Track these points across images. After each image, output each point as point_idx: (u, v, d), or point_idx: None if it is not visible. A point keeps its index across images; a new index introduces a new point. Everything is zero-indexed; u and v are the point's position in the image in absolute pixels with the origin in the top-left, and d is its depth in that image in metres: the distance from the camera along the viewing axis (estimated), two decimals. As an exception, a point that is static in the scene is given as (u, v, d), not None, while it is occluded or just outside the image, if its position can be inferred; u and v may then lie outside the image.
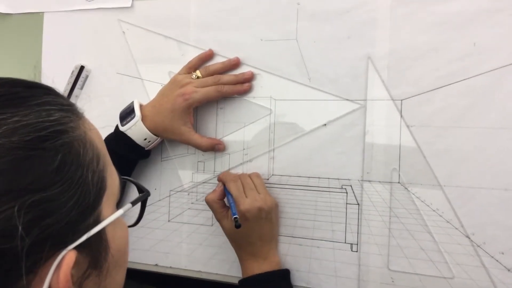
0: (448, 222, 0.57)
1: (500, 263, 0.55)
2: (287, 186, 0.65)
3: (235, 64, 0.68)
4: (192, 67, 0.68)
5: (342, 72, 0.62)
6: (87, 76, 0.77)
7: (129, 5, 0.74)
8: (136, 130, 0.65)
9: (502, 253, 0.55)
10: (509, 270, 0.55)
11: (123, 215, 0.38)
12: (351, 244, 0.62)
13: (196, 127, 0.69)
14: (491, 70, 0.56)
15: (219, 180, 0.66)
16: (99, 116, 0.76)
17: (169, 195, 0.71)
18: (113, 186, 0.37)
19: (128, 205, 0.40)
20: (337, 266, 0.62)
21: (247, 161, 0.67)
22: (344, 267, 0.62)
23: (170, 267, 0.71)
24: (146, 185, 0.72)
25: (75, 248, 0.31)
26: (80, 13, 0.78)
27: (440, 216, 0.58)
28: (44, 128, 0.31)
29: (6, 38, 0.83)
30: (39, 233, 0.29)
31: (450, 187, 0.57)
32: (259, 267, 0.61)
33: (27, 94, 0.33)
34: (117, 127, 0.67)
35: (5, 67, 0.83)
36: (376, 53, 0.61)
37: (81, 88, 0.76)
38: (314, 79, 0.64)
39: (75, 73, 0.75)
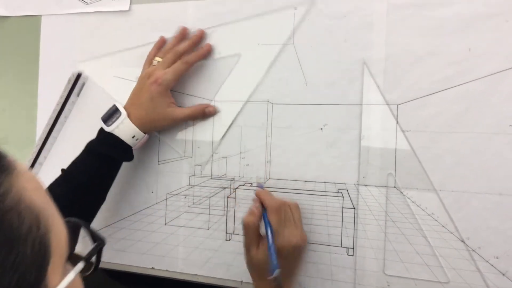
0: (443, 226, 0.57)
1: (495, 268, 0.55)
2: (283, 190, 0.65)
3: (200, 36, 0.69)
4: (152, 59, 0.69)
5: (339, 76, 0.63)
6: (83, 84, 0.77)
7: (127, 9, 0.74)
8: (123, 128, 0.64)
9: (497, 258, 0.55)
10: (503, 275, 0.55)
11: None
12: (347, 248, 0.62)
13: (193, 130, 0.70)
14: (487, 75, 0.56)
15: (257, 196, 0.62)
16: (95, 119, 0.76)
17: (166, 198, 0.71)
18: (60, 247, 0.30)
19: (79, 265, 0.34)
20: (333, 270, 0.62)
21: (244, 165, 0.67)
22: (340, 271, 0.62)
23: (167, 270, 0.71)
24: (143, 188, 0.72)
25: None
26: (78, 16, 0.78)
27: (436, 220, 0.58)
28: None
29: (3, 41, 0.83)
30: None
31: (446, 192, 0.57)
32: None
33: None
34: (101, 130, 0.66)
35: (2, 70, 0.83)
36: (372, 58, 0.61)
37: (78, 95, 0.77)
38: (310, 83, 0.64)
39: (72, 80, 0.75)
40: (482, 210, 0.56)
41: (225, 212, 0.68)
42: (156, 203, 0.72)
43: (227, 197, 0.68)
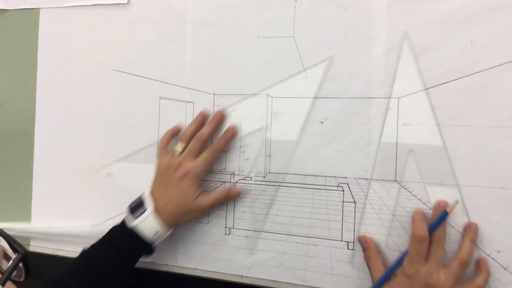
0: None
1: (497, 262, 0.55)
2: (283, 184, 0.65)
3: (221, 119, 0.67)
4: (166, 145, 0.67)
5: (339, 69, 0.62)
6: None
7: (126, 2, 0.73)
8: (147, 225, 0.61)
9: (499, 252, 0.55)
10: (505, 269, 0.54)
11: None
12: (348, 242, 0.61)
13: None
14: (488, 69, 0.56)
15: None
16: (94, 113, 0.75)
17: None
18: None
19: None
20: (334, 264, 0.62)
21: (244, 159, 0.67)
22: (341, 265, 0.61)
23: (166, 264, 0.71)
24: (143, 182, 0.71)
25: None
26: (77, 9, 0.77)
27: (437, 214, 0.57)
28: None
29: (1, 34, 0.82)
30: None
31: (447, 186, 0.57)
32: None
33: None
34: (124, 222, 0.63)
35: (0, 64, 0.82)
36: (373, 51, 0.61)
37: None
38: (311, 76, 0.64)
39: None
40: (484, 204, 0.55)
41: (225, 206, 0.68)
42: (156, 198, 0.71)
43: (227, 191, 0.68)
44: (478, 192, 0.56)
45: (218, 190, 0.67)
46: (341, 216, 0.62)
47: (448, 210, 0.55)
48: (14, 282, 0.36)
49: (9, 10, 0.82)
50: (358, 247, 0.61)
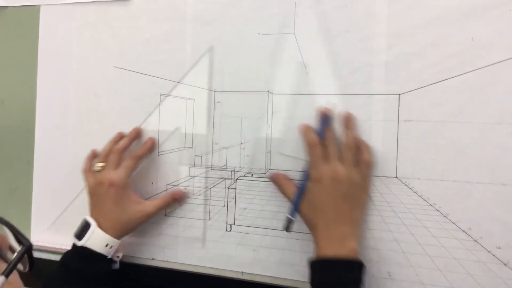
0: (445, 216, 0.57)
1: (497, 258, 0.55)
2: (284, 181, 0.65)
3: (136, 132, 0.71)
4: (89, 169, 0.69)
5: (340, 66, 0.62)
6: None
7: (126, -2, 0.74)
8: (95, 238, 0.62)
9: (499, 248, 0.55)
10: (505, 265, 0.55)
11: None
12: (348, 238, 0.62)
13: (193, 121, 0.69)
14: (489, 65, 0.56)
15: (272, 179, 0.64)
16: (94, 109, 0.75)
17: (166, 189, 0.71)
18: None
19: (0, 279, 0.34)
20: (334, 261, 0.62)
21: (245, 156, 0.67)
22: (341, 262, 0.61)
23: (167, 261, 0.71)
24: (142, 179, 0.72)
25: None
26: (77, 6, 0.77)
27: (437, 210, 0.58)
28: None
29: (2, 31, 0.82)
30: None
31: (448, 182, 0.57)
32: (333, 250, 0.55)
33: None
34: (74, 246, 0.63)
35: (0, 61, 0.82)
36: (374, 48, 0.61)
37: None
38: (311, 73, 0.64)
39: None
40: (484, 200, 0.56)
41: (226, 203, 0.68)
42: (156, 194, 0.71)
43: (228, 187, 0.68)
44: (478, 189, 0.56)
45: (161, 196, 0.69)
46: (342, 213, 0.62)
47: (328, 113, 0.61)
48: (19, 273, 0.37)
49: (9, 7, 0.82)
50: (359, 244, 0.61)
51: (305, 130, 0.61)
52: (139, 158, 0.69)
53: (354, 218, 0.57)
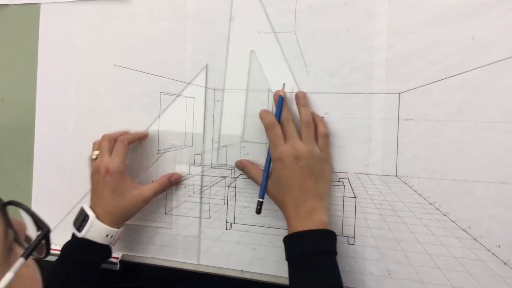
0: (445, 215, 0.57)
1: (497, 256, 0.55)
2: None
3: (143, 135, 0.72)
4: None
5: (341, 65, 0.62)
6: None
7: (127, -4, 0.74)
8: (95, 231, 0.62)
9: (499, 247, 0.55)
10: (505, 263, 0.55)
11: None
12: (348, 237, 0.62)
13: (193, 119, 0.69)
14: (490, 64, 0.56)
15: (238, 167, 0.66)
16: (94, 108, 0.75)
17: (166, 188, 0.71)
18: None
19: (19, 261, 0.34)
20: (334, 259, 0.62)
21: (245, 154, 0.67)
22: (341, 260, 0.61)
23: (167, 259, 0.71)
24: (142, 177, 0.72)
25: None
26: (77, 4, 0.77)
27: (437, 209, 0.58)
28: None
29: (2, 29, 0.82)
30: None
31: (447, 181, 0.57)
32: (302, 225, 0.55)
33: None
34: (73, 235, 0.64)
35: (0, 59, 0.82)
36: (374, 46, 0.61)
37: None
38: (312, 72, 0.64)
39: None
40: (484, 199, 0.56)
41: (226, 201, 0.68)
42: (156, 193, 0.71)
43: (228, 186, 0.68)
44: (478, 187, 0.56)
45: (157, 179, 0.69)
46: (342, 211, 0.62)
47: (281, 94, 0.63)
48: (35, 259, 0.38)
49: (9, 5, 0.81)
50: (359, 242, 0.61)
51: (263, 114, 0.63)
52: (129, 142, 0.68)
53: (320, 191, 0.58)
